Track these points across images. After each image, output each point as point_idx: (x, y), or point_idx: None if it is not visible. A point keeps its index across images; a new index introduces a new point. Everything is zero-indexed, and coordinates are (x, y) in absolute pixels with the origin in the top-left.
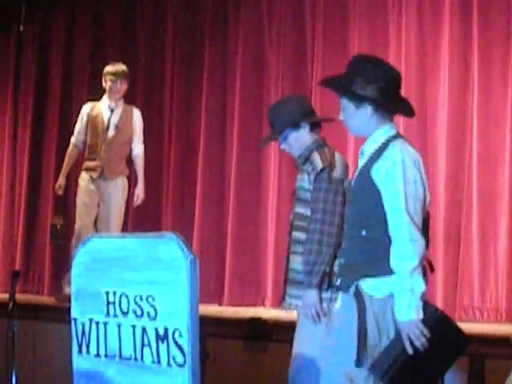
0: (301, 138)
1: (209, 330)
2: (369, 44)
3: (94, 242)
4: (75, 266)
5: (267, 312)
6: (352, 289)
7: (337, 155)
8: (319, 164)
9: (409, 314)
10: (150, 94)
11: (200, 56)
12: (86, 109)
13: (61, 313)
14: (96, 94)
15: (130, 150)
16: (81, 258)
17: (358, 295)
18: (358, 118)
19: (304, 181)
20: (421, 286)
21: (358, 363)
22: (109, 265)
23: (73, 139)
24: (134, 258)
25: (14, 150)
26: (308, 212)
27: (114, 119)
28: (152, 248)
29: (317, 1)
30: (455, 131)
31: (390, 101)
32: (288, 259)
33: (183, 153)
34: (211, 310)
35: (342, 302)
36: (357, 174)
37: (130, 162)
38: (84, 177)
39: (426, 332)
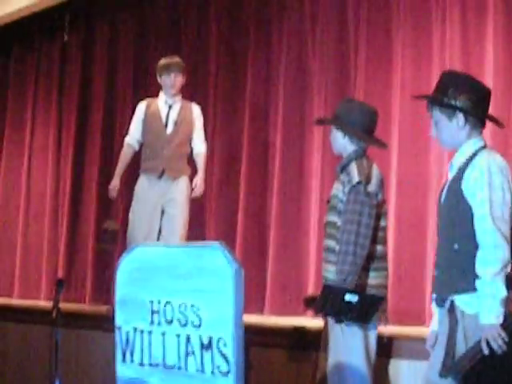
0: (345, 145)
1: (251, 339)
2: (412, 53)
3: (138, 251)
4: (120, 275)
5: (310, 321)
6: (447, 304)
7: (374, 169)
8: (356, 176)
9: (489, 318)
10: (192, 100)
11: (243, 66)
12: (142, 106)
13: (104, 321)
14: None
15: (191, 149)
16: (125, 267)
17: (452, 311)
18: (449, 129)
19: (339, 190)
20: (502, 292)
21: (442, 374)
22: (153, 273)
23: (127, 138)
24: (178, 267)
25: (57, 160)
26: (340, 222)
27: (173, 115)
28: (197, 257)
29: (360, 8)
30: (499, 144)
31: (481, 111)
32: (323, 266)
33: (226, 161)
34: (253, 319)
35: (437, 316)
36: (447, 186)
37: (191, 161)
38: (142, 181)
39: (504, 335)
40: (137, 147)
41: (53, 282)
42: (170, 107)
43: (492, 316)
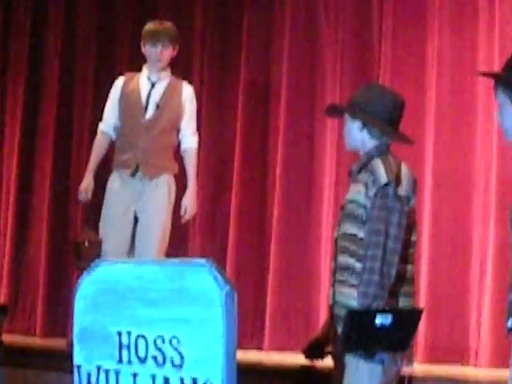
0: (363, 139)
1: (248, 381)
2: (453, 18)
3: (103, 269)
4: (79, 300)
5: None
6: None
7: (403, 168)
8: (383, 177)
9: None
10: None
11: (236, 35)
12: (119, 83)
13: (60, 359)
14: (105, 80)
15: (179, 141)
16: (86, 290)
17: None
18: None
19: (360, 194)
20: None
21: None
22: (122, 298)
23: (101, 125)
24: (154, 290)
25: None
26: (361, 233)
27: (155, 96)
28: (178, 277)
29: None
30: None
31: None
32: (334, 290)
33: (215, 158)
34: (250, 355)
35: None
36: None
37: (178, 156)
38: (114, 177)
39: None
40: (114, 135)
41: None
42: (152, 85)
43: None
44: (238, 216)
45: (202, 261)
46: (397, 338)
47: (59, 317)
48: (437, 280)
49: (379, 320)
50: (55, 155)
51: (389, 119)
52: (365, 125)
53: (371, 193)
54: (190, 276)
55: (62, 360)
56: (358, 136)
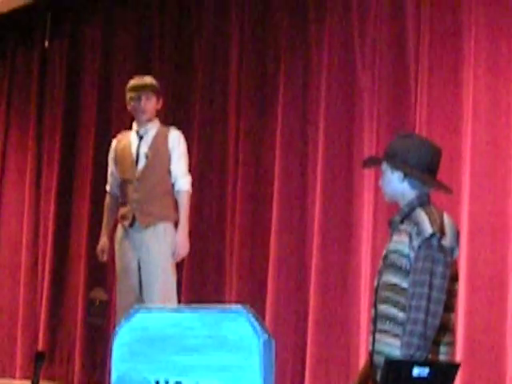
0: (403, 190)
1: None
2: (488, 77)
3: (140, 317)
4: (116, 348)
5: None
6: None
7: (446, 219)
8: (428, 228)
9: None
10: (209, 125)
11: (273, 77)
12: (113, 143)
13: None
14: None
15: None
16: (124, 338)
17: None
18: None
19: (403, 244)
20: None
21: None
22: (160, 345)
23: (107, 186)
24: (191, 338)
25: (36, 197)
26: (404, 283)
27: (144, 147)
28: (215, 325)
29: (422, 2)
30: None
31: None
32: (373, 339)
33: (252, 200)
34: None
35: None
36: None
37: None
38: (118, 230)
39: None
40: (118, 193)
41: (31, 356)
42: (141, 138)
43: None
44: (276, 263)
45: (239, 308)
46: None
47: (96, 364)
48: (473, 328)
49: (417, 371)
50: (92, 202)
51: (428, 168)
52: (406, 176)
53: (415, 244)
54: (227, 323)
55: None
56: (399, 187)
